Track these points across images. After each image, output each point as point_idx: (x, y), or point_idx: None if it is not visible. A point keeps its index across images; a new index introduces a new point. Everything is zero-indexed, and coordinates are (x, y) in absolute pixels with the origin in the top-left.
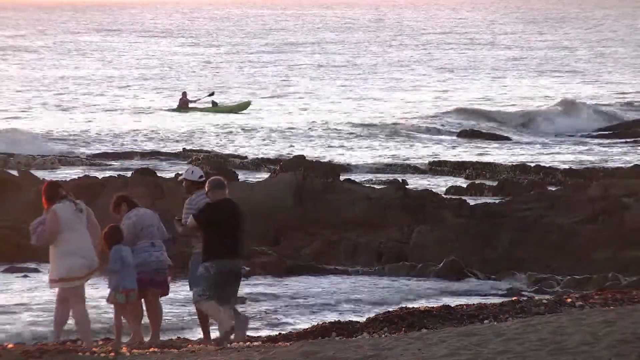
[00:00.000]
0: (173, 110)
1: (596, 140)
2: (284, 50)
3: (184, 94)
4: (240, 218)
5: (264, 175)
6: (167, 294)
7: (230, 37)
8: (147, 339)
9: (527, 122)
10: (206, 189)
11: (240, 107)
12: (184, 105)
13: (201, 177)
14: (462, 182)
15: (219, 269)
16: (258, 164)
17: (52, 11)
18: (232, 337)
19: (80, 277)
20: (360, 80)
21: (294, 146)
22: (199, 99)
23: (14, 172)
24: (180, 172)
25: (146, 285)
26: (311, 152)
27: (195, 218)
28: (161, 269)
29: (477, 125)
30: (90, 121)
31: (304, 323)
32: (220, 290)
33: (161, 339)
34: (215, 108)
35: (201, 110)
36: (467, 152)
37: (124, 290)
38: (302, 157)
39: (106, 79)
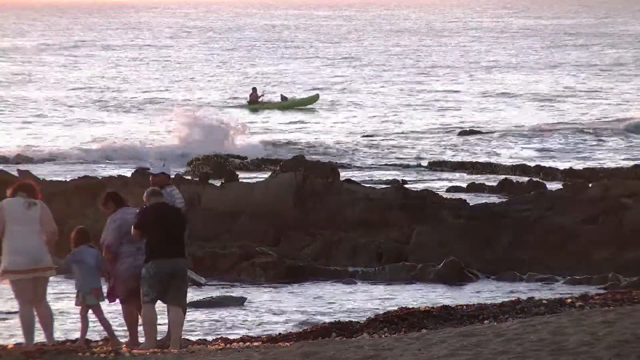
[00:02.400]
0: (244, 106)
1: None
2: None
3: (254, 89)
4: (177, 220)
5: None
6: None
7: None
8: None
9: None
10: (144, 197)
11: (308, 101)
12: (254, 101)
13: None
14: (462, 182)
15: (159, 269)
16: (258, 164)
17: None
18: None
19: (20, 272)
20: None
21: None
22: (264, 93)
23: (14, 172)
24: (179, 172)
25: (135, 291)
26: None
27: (134, 226)
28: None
29: None
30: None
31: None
32: (164, 291)
33: (159, 339)
34: (285, 102)
35: (271, 105)
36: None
37: (93, 290)
38: (302, 157)
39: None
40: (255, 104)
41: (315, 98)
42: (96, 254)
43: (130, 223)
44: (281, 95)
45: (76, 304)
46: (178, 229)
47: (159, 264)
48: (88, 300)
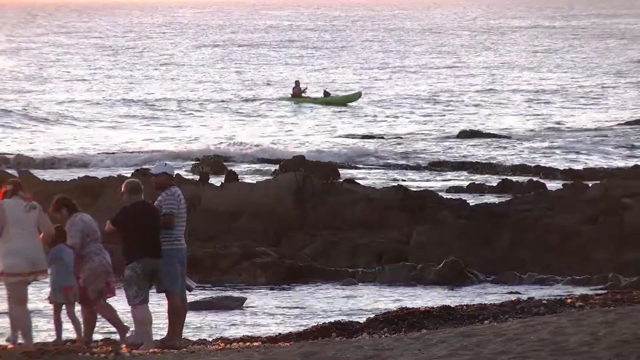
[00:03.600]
0: (287, 99)
1: None
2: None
3: (297, 83)
4: (156, 219)
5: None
6: (114, 295)
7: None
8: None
9: None
10: (122, 189)
11: (351, 98)
12: (297, 95)
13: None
14: (462, 182)
15: (145, 268)
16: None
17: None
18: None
19: (19, 274)
20: None
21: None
22: (307, 89)
23: (14, 172)
24: (178, 173)
25: (103, 290)
26: None
27: (113, 222)
28: (110, 271)
29: None
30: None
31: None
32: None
33: (159, 339)
34: (327, 98)
35: (313, 100)
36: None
37: (63, 288)
38: (302, 157)
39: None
40: (298, 97)
41: (357, 95)
42: (72, 254)
43: (92, 224)
44: (324, 91)
45: (49, 301)
46: (156, 228)
47: (145, 263)
48: (56, 298)
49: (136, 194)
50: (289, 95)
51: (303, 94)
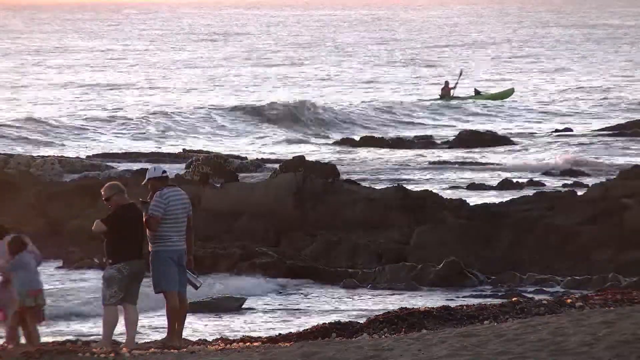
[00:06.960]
0: (437, 99)
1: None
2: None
3: (447, 82)
4: (141, 221)
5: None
6: (42, 320)
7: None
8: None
9: None
10: (109, 193)
11: (504, 95)
12: (446, 94)
13: (164, 172)
14: (462, 182)
15: (132, 270)
16: (258, 164)
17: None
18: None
19: None
20: None
21: None
22: (456, 84)
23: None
24: (179, 173)
25: (25, 310)
26: None
27: (106, 222)
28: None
29: None
30: None
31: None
32: (127, 289)
33: (159, 339)
34: (478, 96)
35: (464, 98)
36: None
37: (31, 291)
38: (302, 157)
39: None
40: (447, 97)
41: (510, 92)
42: (35, 257)
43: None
44: (475, 89)
45: (16, 308)
46: (142, 230)
47: (132, 264)
48: (27, 302)
49: (124, 194)
50: (437, 96)
51: (452, 93)
